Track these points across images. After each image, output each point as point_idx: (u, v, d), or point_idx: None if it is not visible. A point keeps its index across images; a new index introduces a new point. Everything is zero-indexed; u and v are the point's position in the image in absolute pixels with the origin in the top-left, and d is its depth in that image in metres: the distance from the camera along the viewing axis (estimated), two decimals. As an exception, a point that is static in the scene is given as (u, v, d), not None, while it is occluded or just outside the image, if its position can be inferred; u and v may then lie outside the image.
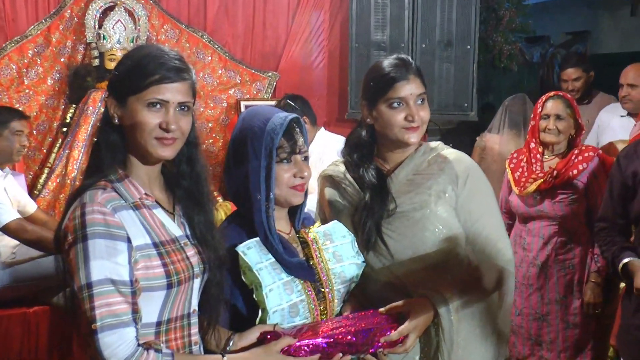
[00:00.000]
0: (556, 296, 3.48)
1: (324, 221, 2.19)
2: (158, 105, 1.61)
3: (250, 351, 1.72)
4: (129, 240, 1.56)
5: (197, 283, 1.72)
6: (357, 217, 2.15)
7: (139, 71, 1.61)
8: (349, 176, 2.22)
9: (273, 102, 5.15)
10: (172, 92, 1.62)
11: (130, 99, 1.61)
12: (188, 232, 1.75)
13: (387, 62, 2.13)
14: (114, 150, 1.65)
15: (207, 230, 1.77)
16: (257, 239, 1.84)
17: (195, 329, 1.73)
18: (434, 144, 2.24)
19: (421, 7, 4.97)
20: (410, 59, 2.16)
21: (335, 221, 2.07)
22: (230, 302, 1.85)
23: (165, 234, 1.67)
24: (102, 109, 1.71)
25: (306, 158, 1.94)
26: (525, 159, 3.59)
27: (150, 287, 1.59)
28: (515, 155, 3.72)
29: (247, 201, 1.87)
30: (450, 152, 2.20)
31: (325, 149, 4.34)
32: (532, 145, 3.57)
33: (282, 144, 1.86)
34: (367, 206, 2.13)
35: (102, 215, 1.54)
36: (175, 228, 1.71)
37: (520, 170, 3.58)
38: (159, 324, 1.63)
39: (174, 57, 1.65)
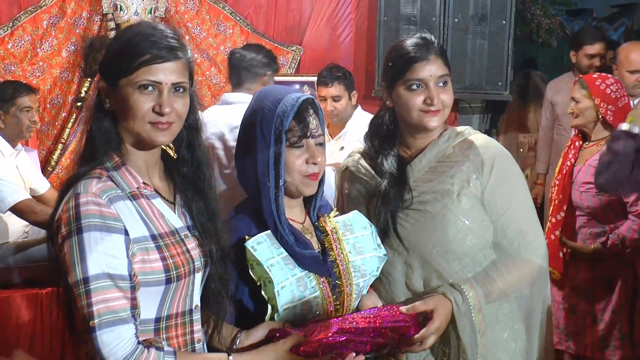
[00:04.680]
0: (584, 289, 3.36)
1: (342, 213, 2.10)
2: (150, 88, 1.53)
3: (257, 350, 1.64)
4: (126, 233, 1.49)
5: (198, 278, 1.65)
6: (372, 205, 2.03)
7: (129, 51, 1.53)
8: (363, 162, 2.11)
9: (297, 78, 4.99)
10: (165, 72, 1.53)
11: (121, 81, 1.53)
12: (189, 223, 1.67)
13: (409, 42, 2.01)
14: (107, 137, 1.57)
15: (209, 219, 1.69)
16: (268, 232, 1.74)
17: (198, 326, 1.66)
18: (460, 128, 2.09)
19: (454, -21, 4.75)
20: (433, 39, 2.02)
21: (356, 211, 1.96)
22: (236, 297, 1.76)
23: (164, 225, 1.59)
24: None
25: (320, 144, 1.81)
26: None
27: (147, 282, 1.53)
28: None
29: (255, 189, 1.78)
30: (477, 138, 2.05)
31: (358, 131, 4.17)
32: (573, 132, 3.47)
33: (292, 127, 1.75)
34: (382, 195, 2.01)
35: (97, 207, 1.47)
36: (175, 219, 1.63)
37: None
38: (158, 320, 1.57)
39: (167, 35, 1.56)
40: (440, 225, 1.97)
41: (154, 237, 1.55)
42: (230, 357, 1.59)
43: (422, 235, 1.99)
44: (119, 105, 1.55)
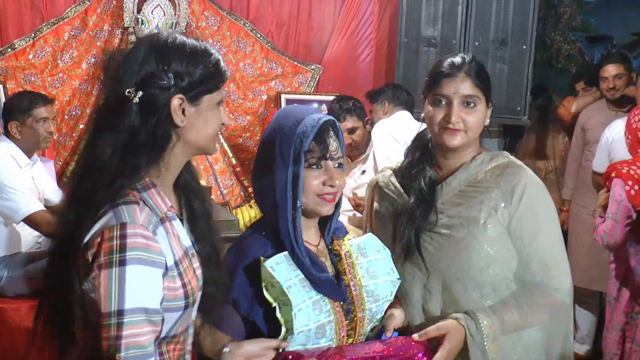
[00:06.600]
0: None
1: (369, 231, 2.11)
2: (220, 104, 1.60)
3: None
4: (166, 267, 1.47)
5: (199, 294, 1.63)
6: (398, 223, 2.01)
7: (216, 70, 1.56)
8: (393, 180, 2.10)
9: (316, 97, 4.99)
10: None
11: (205, 97, 1.55)
12: (192, 237, 1.64)
13: (447, 58, 2.02)
14: (159, 151, 1.53)
15: (205, 221, 1.68)
16: (286, 252, 1.70)
17: (191, 339, 1.67)
18: (495, 153, 2.06)
19: (476, 2, 4.77)
20: (471, 59, 2.01)
21: (370, 234, 1.94)
22: (249, 318, 1.71)
23: (180, 248, 1.55)
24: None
25: (340, 165, 1.78)
26: None
27: (170, 308, 1.51)
28: None
29: (273, 208, 1.74)
30: (510, 164, 2.02)
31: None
32: None
33: (312, 147, 1.71)
34: (410, 212, 1.99)
35: (145, 240, 1.43)
36: (185, 237, 1.60)
37: None
38: (164, 338, 1.55)
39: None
40: (464, 251, 1.94)
41: (176, 264, 1.52)
42: None
43: (444, 260, 1.96)
44: (198, 119, 1.54)
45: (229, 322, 1.71)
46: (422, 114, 2.05)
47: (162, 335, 1.53)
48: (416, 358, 1.72)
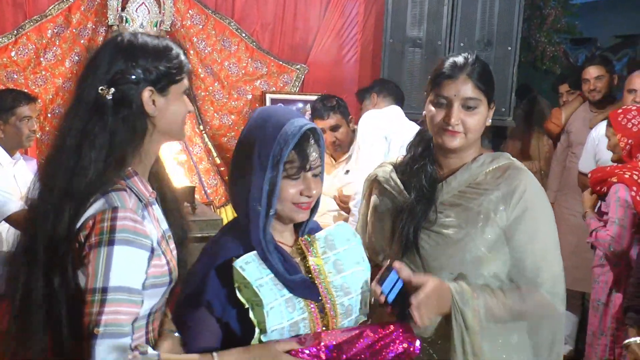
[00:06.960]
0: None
1: (364, 227, 2.16)
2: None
3: (246, 348, 1.64)
4: (152, 250, 1.58)
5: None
6: (398, 219, 2.02)
7: (178, 62, 1.67)
8: (394, 175, 2.10)
9: (300, 97, 4.98)
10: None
11: (171, 88, 1.66)
12: (166, 221, 1.75)
13: (449, 59, 2.01)
14: (139, 141, 1.63)
15: (174, 204, 1.80)
16: (256, 252, 1.69)
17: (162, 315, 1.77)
18: (496, 154, 2.05)
19: (461, 3, 4.79)
20: (474, 60, 1.99)
21: (341, 222, 1.92)
22: (223, 320, 1.69)
23: (160, 230, 1.67)
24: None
25: (316, 175, 1.75)
26: None
27: (156, 284, 1.61)
28: None
29: (246, 212, 1.71)
30: (511, 166, 2.01)
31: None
32: None
33: (291, 157, 1.68)
34: (410, 209, 1.99)
35: (134, 223, 1.54)
36: (163, 220, 1.72)
37: None
38: (149, 315, 1.65)
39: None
40: (460, 252, 1.93)
41: (159, 244, 1.62)
42: (215, 355, 1.61)
43: (440, 259, 1.96)
44: (167, 109, 1.65)
45: (205, 324, 1.69)
46: (424, 112, 2.04)
47: (150, 311, 1.63)
48: (398, 341, 1.71)
